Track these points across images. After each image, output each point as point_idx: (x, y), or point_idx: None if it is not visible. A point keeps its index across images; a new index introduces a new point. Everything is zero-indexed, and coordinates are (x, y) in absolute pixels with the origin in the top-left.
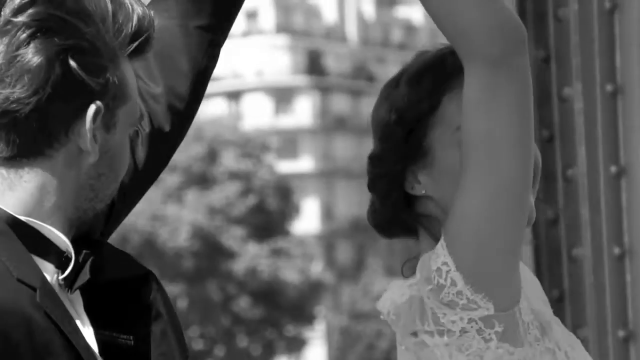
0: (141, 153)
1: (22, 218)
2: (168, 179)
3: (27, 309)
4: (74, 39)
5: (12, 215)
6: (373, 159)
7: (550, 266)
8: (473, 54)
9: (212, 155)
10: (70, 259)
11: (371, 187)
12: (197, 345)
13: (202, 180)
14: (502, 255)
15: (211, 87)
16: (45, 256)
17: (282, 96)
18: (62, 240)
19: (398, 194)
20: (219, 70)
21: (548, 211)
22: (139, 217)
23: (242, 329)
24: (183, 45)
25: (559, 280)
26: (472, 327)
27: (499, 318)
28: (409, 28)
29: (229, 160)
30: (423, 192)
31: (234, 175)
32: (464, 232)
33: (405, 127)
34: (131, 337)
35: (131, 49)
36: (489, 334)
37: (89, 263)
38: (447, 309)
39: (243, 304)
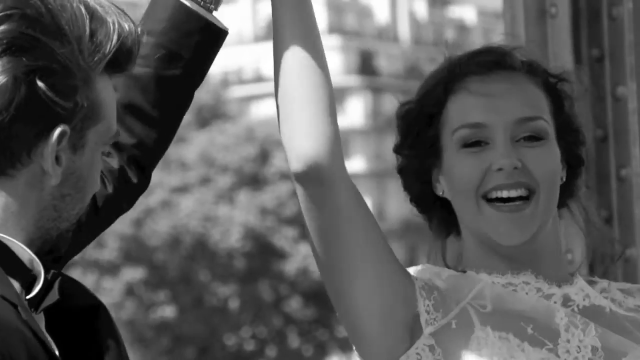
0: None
1: None
2: (220, 179)
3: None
4: (44, 60)
5: None
6: (395, 150)
7: (605, 266)
8: None
9: (263, 156)
10: (36, 279)
11: (402, 183)
12: (249, 346)
13: (254, 181)
14: (351, 327)
15: (263, 88)
16: (11, 274)
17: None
18: (30, 258)
19: (423, 192)
20: (271, 70)
21: (602, 211)
22: (190, 218)
23: (294, 329)
24: (156, 96)
25: (613, 281)
26: None
27: None
28: (462, 28)
29: (280, 160)
30: (441, 193)
31: (285, 176)
32: None
33: (416, 121)
34: None
35: (110, 67)
36: None
37: (57, 283)
38: None
39: (295, 305)
